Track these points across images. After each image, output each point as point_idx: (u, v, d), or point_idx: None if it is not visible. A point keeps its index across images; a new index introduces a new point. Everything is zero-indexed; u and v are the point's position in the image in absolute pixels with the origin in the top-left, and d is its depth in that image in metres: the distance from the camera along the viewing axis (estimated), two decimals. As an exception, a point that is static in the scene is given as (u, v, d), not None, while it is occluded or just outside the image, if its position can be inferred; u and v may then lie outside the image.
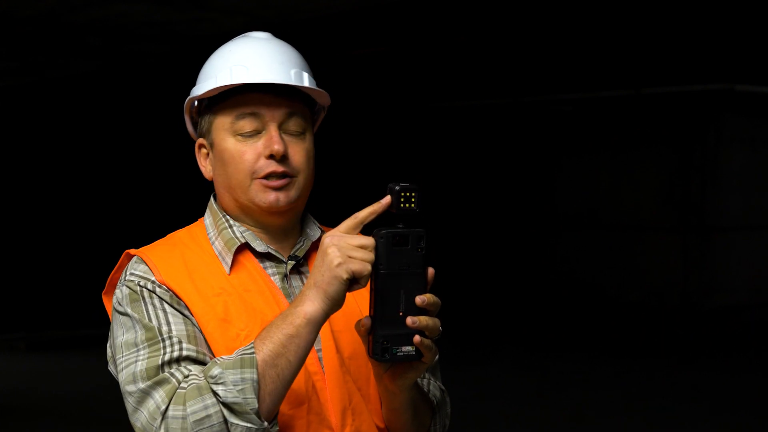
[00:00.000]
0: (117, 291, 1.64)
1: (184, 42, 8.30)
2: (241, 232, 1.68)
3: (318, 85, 1.74)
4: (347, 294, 1.69)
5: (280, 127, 1.65)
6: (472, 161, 12.54)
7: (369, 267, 1.45)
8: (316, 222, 1.76)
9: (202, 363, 1.53)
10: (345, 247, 1.46)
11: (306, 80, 1.68)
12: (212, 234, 1.70)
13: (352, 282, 1.47)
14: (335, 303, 1.47)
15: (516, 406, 7.75)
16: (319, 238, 1.74)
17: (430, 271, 1.51)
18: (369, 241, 1.46)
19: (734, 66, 9.58)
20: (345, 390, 1.63)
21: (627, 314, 10.92)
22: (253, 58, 1.66)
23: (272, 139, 1.63)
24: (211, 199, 1.75)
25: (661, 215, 10.86)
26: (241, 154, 1.63)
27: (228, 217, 1.70)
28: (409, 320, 1.47)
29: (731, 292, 10.75)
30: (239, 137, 1.64)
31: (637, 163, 11.01)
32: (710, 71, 9.63)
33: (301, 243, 1.71)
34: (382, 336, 1.47)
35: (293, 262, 1.68)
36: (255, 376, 1.44)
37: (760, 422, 7.23)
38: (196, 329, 1.58)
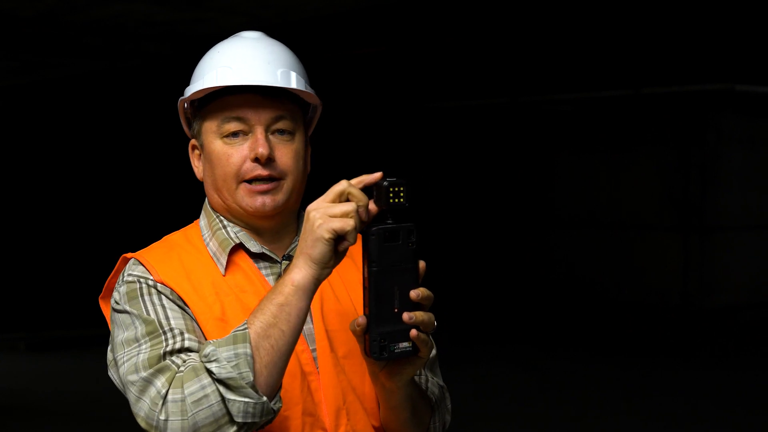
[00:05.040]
0: (115, 293, 1.63)
1: (184, 42, 8.30)
2: (236, 233, 1.67)
3: (315, 84, 1.73)
4: (343, 293, 1.70)
5: (268, 129, 1.63)
6: (472, 161, 12.54)
7: (351, 223, 1.43)
8: None
9: None
10: (324, 208, 1.44)
11: (293, 80, 1.65)
12: (207, 235, 1.69)
13: (339, 241, 1.45)
14: (322, 266, 1.45)
15: (516, 404, 7.75)
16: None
17: (422, 264, 1.50)
18: (348, 206, 1.44)
19: (734, 66, 9.57)
20: (339, 390, 1.62)
21: (627, 313, 10.91)
22: (240, 59, 1.64)
23: (257, 142, 1.61)
24: (206, 200, 1.74)
25: (661, 215, 10.85)
26: (228, 157, 1.63)
27: (222, 217, 1.70)
28: (405, 316, 1.46)
29: (731, 291, 10.75)
30: (226, 139, 1.63)
31: (636, 163, 11.01)
32: (710, 71, 9.61)
33: (296, 242, 1.70)
34: (379, 334, 1.46)
35: (287, 262, 1.67)
36: (248, 350, 1.42)
37: (760, 421, 7.24)
38: (196, 325, 1.57)
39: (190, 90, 1.68)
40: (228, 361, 1.42)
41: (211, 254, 1.67)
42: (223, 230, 1.68)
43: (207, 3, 6.84)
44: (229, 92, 1.63)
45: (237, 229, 1.68)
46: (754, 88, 10.05)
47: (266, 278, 1.67)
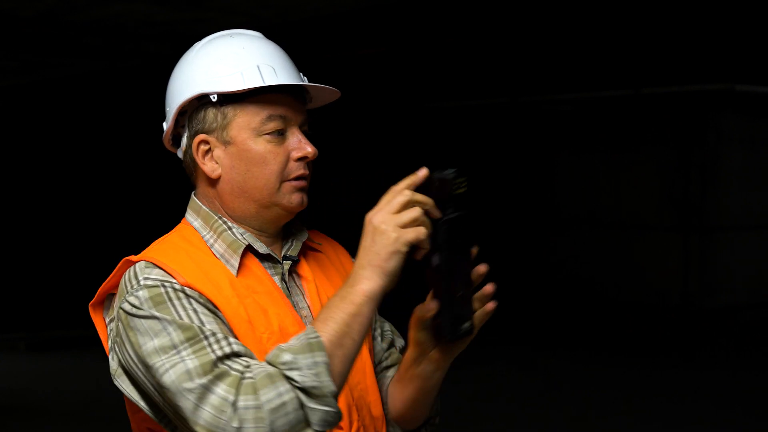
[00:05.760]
0: (130, 297, 1.53)
1: (184, 42, 8.28)
2: (241, 234, 1.64)
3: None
4: (332, 292, 1.70)
5: (300, 129, 1.65)
6: (472, 161, 12.54)
7: (424, 230, 1.46)
8: (300, 223, 1.74)
9: (251, 357, 1.48)
10: (393, 219, 1.46)
11: (306, 82, 1.69)
12: (208, 237, 1.65)
13: (413, 250, 1.48)
14: (393, 278, 1.47)
15: (517, 404, 7.75)
16: (310, 239, 1.73)
17: (474, 249, 1.59)
18: (416, 212, 1.46)
19: (734, 66, 9.57)
20: (347, 386, 1.63)
21: (627, 313, 10.92)
22: (276, 59, 1.64)
23: (302, 142, 1.63)
24: (197, 201, 1.69)
25: (661, 215, 10.86)
26: (274, 156, 1.61)
27: (224, 219, 1.65)
28: (489, 287, 1.60)
29: (731, 291, 10.75)
30: (268, 137, 1.61)
31: (637, 162, 11.02)
32: (710, 71, 9.62)
33: (290, 243, 1.70)
34: (451, 317, 1.55)
35: (290, 263, 1.67)
36: (326, 359, 1.42)
37: (760, 421, 7.24)
38: (227, 327, 1.53)
39: (233, 85, 1.61)
40: (308, 369, 1.41)
41: (218, 256, 1.63)
42: (229, 231, 1.64)
43: (207, 3, 6.84)
44: (269, 91, 1.62)
45: (242, 230, 1.65)
46: (754, 88, 10.05)
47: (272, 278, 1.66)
